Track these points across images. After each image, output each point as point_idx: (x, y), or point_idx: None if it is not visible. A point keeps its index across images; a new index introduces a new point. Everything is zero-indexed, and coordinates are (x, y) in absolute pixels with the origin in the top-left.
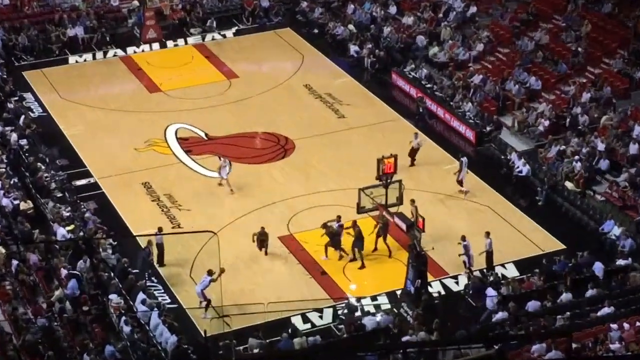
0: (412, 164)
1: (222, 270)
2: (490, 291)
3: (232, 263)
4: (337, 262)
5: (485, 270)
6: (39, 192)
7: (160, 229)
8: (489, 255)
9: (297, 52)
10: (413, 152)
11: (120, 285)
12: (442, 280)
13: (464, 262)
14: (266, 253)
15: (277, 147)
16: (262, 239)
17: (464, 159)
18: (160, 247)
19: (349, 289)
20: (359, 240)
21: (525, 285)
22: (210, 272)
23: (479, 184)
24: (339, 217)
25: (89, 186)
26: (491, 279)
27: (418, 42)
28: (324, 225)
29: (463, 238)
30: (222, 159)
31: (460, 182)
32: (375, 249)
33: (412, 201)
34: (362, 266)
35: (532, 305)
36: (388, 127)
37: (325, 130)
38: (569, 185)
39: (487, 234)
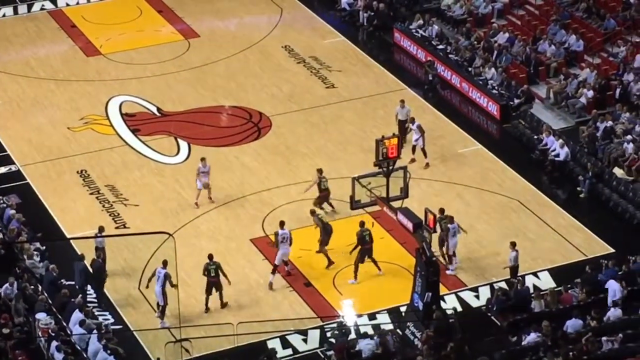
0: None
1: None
2: (612, 284)
3: (191, 272)
4: (325, 270)
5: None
6: None
7: (101, 229)
8: (514, 270)
9: (274, 4)
10: (403, 127)
11: (50, 302)
12: (459, 294)
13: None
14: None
15: (248, 125)
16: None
17: (416, 125)
18: (100, 252)
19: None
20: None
21: (563, 298)
22: (165, 263)
23: (505, 171)
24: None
25: (9, 175)
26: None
27: None
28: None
29: (450, 220)
30: (202, 162)
31: (419, 151)
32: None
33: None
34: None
35: (572, 324)
36: (389, 99)
37: (309, 104)
38: (618, 172)
39: (513, 244)
